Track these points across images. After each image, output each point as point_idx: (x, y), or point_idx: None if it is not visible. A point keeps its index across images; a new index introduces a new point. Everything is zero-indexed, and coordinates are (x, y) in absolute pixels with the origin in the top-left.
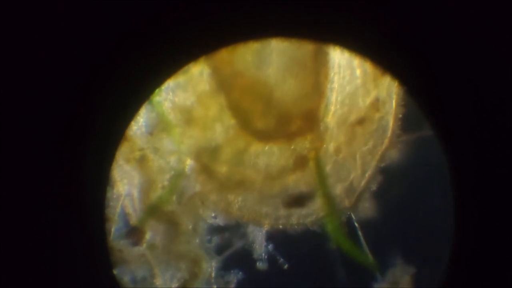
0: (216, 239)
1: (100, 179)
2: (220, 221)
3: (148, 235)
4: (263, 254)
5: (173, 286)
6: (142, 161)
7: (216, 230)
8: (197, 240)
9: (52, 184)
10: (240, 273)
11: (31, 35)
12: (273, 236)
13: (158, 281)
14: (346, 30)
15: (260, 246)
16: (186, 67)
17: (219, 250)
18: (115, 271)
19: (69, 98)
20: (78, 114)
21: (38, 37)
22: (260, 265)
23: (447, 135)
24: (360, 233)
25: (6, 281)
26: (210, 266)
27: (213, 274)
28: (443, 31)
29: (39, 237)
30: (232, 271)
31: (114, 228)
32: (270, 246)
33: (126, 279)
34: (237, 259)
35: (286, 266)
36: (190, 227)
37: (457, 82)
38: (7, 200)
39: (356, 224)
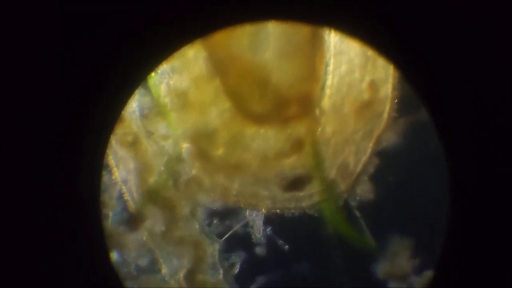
0: (216, 223)
1: (95, 164)
2: (217, 205)
3: (147, 221)
4: (262, 238)
5: (179, 273)
6: (136, 146)
7: (214, 214)
8: (197, 225)
9: (45, 170)
10: (243, 254)
11: (23, 18)
12: (270, 220)
13: (163, 268)
14: (342, 13)
15: (259, 229)
16: (181, 50)
17: (220, 233)
18: (113, 259)
19: (62, 82)
20: (71, 98)
21: (34, 21)
22: (259, 249)
23: (444, 123)
24: (358, 215)
25: (3, 274)
26: (213, 249)
27: (217, 258)
28: (443, 30)
29: (34, 225)
30: (235, 253)
31: (112, 214)
32: (269, 229)
33: (129, 267)
34: (238, 240)
35: (286, 247)
36: (188, 211)
37: (453, 67)
38: None
39: (355, 210)
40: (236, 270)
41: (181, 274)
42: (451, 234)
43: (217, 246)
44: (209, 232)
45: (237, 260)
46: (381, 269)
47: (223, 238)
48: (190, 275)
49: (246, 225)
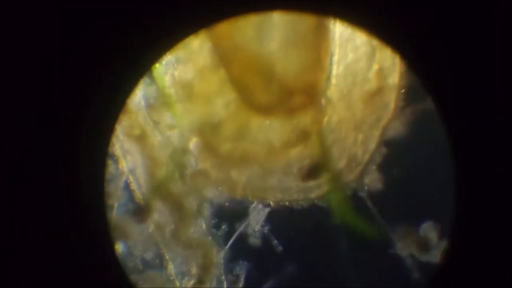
0: (224, 227)
1: (99, 154)
2: (224, 199)
3: (153, 213)
4: (258, 232)
5: (186, 277)
6: (142, 137)
7: (220, 209)
8: (203, 224)
9: (49, 161)
10: (246, 263)
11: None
12: (276, 213)
13: (169, 266)
14: (347, 3)
15: (258, 223)
16: (186, 40)
17: (225, 235)
18: (118, 251)
19: (67, 71)
20: (76, 88)
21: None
22: (254, 241)
23: (448, 109)
24: (368, 204)
25: (7, 264)
26: (219, 258)
27: (222, 269)
28: (448, 20)
29: (38, 216)
30: (239, 262)
31: (117, 205)
32: (267, 228)
33: (135, 260)
34: (242, 245)
35: (279, 249)
36: (195, 206)
37: (458, 56)
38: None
39: (363, 199)
40: (241, 283)
41: (188, 285)
42: (458, 221)
43: (222, 254)
44: (215, 235)
45: (242, 272)
46: (400, 248)
47: (229, 243)
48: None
49: (249, 222)
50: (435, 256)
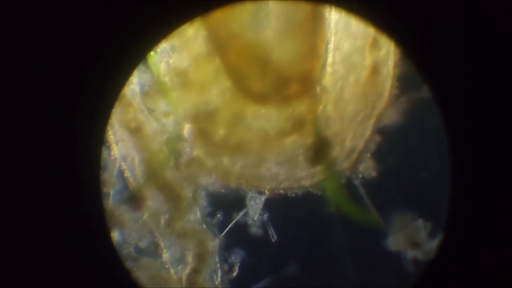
0: (219, 215)
1: (95, 142)
2: (218, 188)
3: (148, 202)
4: (257, 221)
5: (180, 266)
6: (137, 125)
7: (214, 197)
8: (198, 212)
9: (44, 148)
10: (242, 252)
11: None
12: (271, 201)
13: (164, 254)
14: None
15: (256, 212)
16: (181, 28)
17: (220, 224)
18: (114, 238)
19: (62, 59)
20: (71, 75)
21: None
22: (254, 231)
23: (443, 97)
24: (363, 193)
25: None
26: (214, 246)
27: (216, 258)
28: (444, 6)
29: (33, 204)
30: (234, 251)
31: (112, 192)
32: (266, 216)
33: (130, 248)
34: (237, 234)
35: (274, 238)
36: (190, 194)
37: (454, 44)
38: None
39: (358, 187)
40: (235, 272)
41: (183, 273)
42: (453, 210)
43: (217, 242)
44: (210, 223)
45: (236, 260)
46: (392, 242)
47: (223, 233)
48: (191, 276)
49: (246, 211)
50: (427, 252)
